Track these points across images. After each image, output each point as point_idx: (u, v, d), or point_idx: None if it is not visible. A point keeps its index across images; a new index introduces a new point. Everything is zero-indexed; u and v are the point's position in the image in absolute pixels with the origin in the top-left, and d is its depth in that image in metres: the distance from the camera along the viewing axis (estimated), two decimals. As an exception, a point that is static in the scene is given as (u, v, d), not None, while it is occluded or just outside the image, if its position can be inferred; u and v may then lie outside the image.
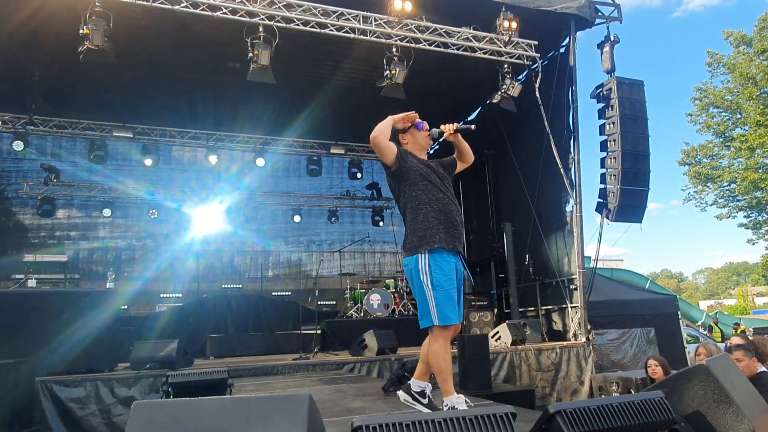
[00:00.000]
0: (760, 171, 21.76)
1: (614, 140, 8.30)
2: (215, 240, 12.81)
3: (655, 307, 10.43)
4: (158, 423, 1.47)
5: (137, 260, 12.09)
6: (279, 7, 7.21)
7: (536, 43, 8.60)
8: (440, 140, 3.39)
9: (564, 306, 8.93)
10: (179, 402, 1.56)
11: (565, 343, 8.15)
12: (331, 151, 13.23)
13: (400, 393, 3.25)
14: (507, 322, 8.12)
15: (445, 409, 2.91)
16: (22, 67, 9.07)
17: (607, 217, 8.38)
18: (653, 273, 74.27)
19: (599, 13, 8.58)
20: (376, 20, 7.72)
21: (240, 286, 11.42)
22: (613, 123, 8.32)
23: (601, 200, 8.55)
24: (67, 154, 11.68)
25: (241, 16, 7.04)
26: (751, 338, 5.11)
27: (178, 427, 1.46)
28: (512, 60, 8.49)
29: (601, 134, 8.61)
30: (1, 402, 4.55)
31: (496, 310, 10.09)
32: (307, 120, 11.98)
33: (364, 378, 6.06)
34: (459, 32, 8.16)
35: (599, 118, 8.66)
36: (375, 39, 7.76)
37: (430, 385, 3.27)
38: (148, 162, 11.69)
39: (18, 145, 10.51)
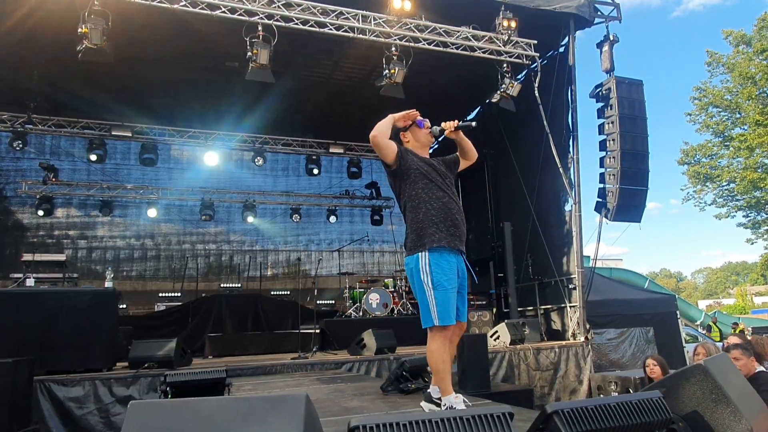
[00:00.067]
0: (759, 170, 21.77)
1: (613, 140, 8.31)
2: (214, 239, 12.84)
3: (653, 307, 10.45)
4: (154, 423, 1.46)
5: (136, 259, 12.12)
6: (278, 6, 7.20)
7: (535, 42, 8.60)
8: (441, 138, 3.38)
9: (563, 305, 8.94)
10: (175, 402, 1.55)
11: (563, 342, 8.15)
12: (331, 150, 13.22)
13: (423, 404, 3.11)
14: (506, 321, 8.13)
15: (443, 408, 2.91)
16: (21, 66, 9.07)
17: (606, 217, 8.38)
18: (652, 272, 74.46)
19: (598, 13, 8.58)
20: (375, 19, 7.71)
21: (239, 285, 11.41)
22: (612, 122, 8.33)
23: (600, 200, 8.55)
24: (66, 154, 11.69)
25: (240, 14, 7.04)
26: (749, 338, 5.11)
27: (174, 427, 1.46)
28: (511, 59, 8.49)
29: (600, 134, 8.63)
30: (-1, 401, 4.55)
31: (494, 310, 10.10)
32: (306, 119, 12.00)
33: (363, 377, 6.06)
34: (458, 31, 8.16)
35: (598, 118, 8.67)
36: (374, 38, 7.75)
37: None
38: (147, 161, 11.71)
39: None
